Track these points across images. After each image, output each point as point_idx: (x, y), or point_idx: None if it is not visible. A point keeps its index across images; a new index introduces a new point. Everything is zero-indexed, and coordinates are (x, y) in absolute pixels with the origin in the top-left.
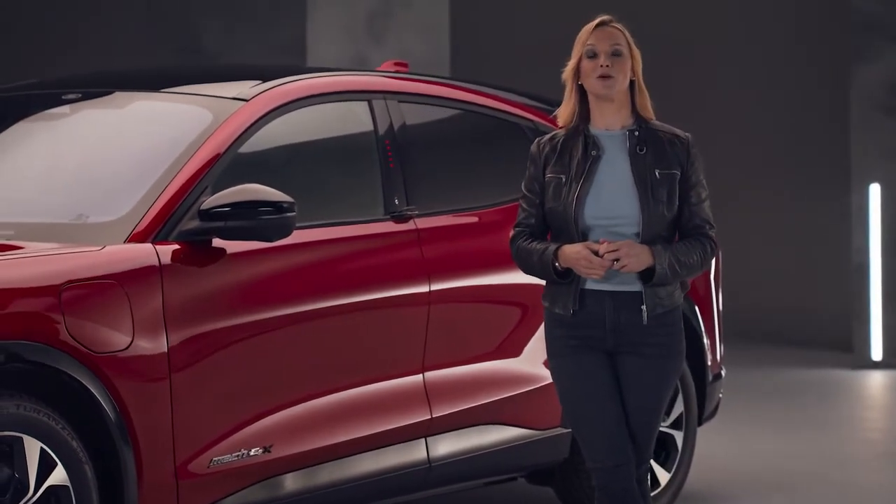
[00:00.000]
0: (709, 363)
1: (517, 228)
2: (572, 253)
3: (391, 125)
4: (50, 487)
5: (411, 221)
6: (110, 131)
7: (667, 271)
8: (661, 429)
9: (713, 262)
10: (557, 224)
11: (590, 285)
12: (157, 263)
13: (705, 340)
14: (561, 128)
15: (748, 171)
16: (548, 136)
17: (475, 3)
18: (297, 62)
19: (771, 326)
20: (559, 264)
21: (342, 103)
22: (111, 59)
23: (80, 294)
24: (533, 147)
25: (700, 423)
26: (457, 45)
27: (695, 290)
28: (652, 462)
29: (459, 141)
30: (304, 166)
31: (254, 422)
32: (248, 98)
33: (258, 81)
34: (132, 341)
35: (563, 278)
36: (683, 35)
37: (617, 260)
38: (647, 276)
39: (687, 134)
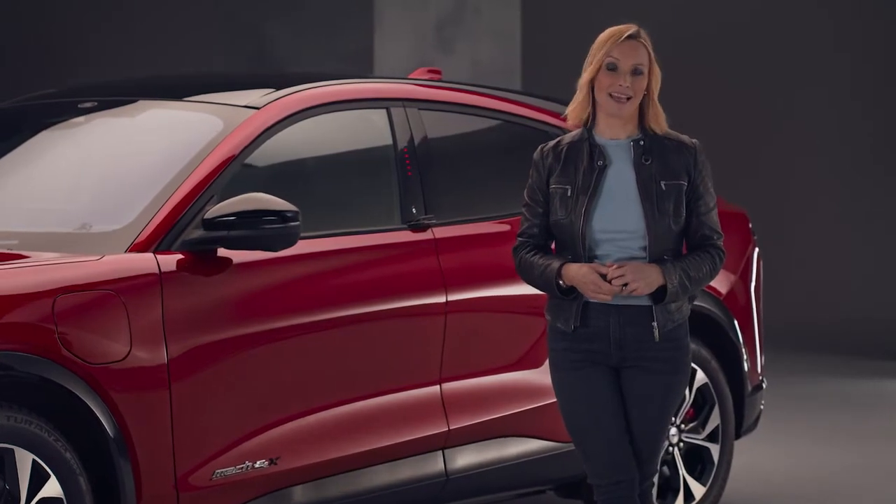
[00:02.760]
0: (747, 374)
1: (520, 239)
2: (579, 275)
3: (410, 133)
4: (42, 500)
5: (429, 231)
6: (121, 140)
7: (678, 289)
8: (697, 441)
9: (753, 271)
10: (563, 237)
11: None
12: (157, 273)
13: (744, 351)
14: (569, 130)
15: (828, 178)
16: (551, 144)
17: (547, 9)
18: (364, 70)
19: (853, 336)
20: (563, 282)
21: (359, 111)
22: (180, 63)
23: (74, 304)
24: (536, 154)
25: (738, 436)
26: (528, 51)
27: (734, 301)
28: (686, 475)
29: (483, 149)
30: (318, 175)
31: (259, 433)
32: (259, 106)
33: (273, 89)
34: (129, 351)
35: (566, 295)
36: (767, 36)
37: (625, 285)
38: (657, 294)
39: (694, 140)
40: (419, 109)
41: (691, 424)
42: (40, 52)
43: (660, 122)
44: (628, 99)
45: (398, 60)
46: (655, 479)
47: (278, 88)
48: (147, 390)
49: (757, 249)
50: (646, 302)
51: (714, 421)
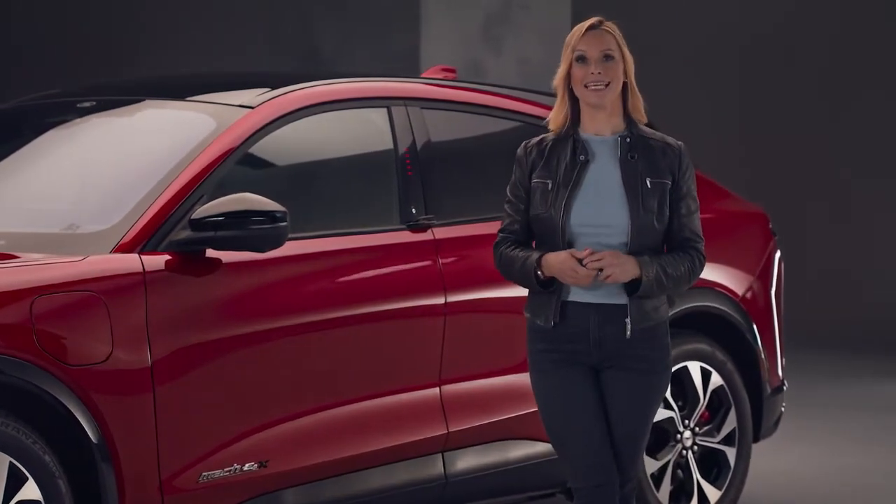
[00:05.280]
0: (766, 376)
1: (501, 235)
2: (557, 261)
3: (412, 132)
4: (20, 502)
5: (429, 231)
6: (114, 140)
7: (653, 283)
8: (713, 445)
9: (774, 272)
10: (542, 231)
11: (573, 297)
12: (141, 273)
13: (762, 354)
14: (551, 132)
15: (875, 173)
16: (535, 140)
17: (597, 5)
18: (411, 70)
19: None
20: (542, 273)
21: (358, 110)
22: (228, 63)
23: (53, 305)
24: (520, 150)
25: (757, 439)
26: None
27: (753, 302)
28: (700, 479)
29: (484, 148)
30: (317, 174)
31: (248, 436)
32: (253, 105)
33: (269, 89)
34: (111, 353)
35: (545, 287)
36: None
37: (601, 270)
38: (632, 287)
39: (679, 142)
40: (421, 108)
41: (706, 427)
42: (69, 52)
43: (638, 108)
44: (606, 85)
45: (445, 60)
46: (667, 483)
47: (275, 88)
48: (130, 392)
49: (778, 250)
50: (624, 300)
51: (730, 424)
